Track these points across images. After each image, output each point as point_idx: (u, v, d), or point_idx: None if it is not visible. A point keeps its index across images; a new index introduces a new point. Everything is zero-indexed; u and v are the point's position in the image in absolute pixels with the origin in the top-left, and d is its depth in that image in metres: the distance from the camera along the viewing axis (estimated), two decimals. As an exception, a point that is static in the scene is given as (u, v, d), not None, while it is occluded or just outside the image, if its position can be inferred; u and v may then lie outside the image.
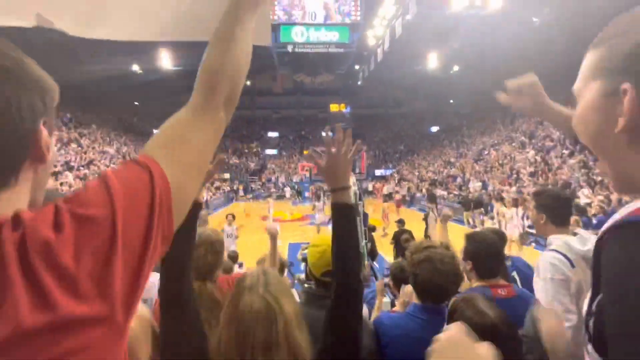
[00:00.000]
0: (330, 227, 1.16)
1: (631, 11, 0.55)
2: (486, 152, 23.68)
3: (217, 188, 29.84)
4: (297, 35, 21.96)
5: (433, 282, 1.30)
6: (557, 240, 1.74)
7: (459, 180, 21.43)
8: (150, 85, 29.51)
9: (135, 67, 25.82)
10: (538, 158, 17.06)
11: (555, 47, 20.55)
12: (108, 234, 0.49)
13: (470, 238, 1.71)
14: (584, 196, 11.46)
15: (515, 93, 1.08)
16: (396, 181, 28.86)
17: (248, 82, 34.36)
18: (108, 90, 27.85)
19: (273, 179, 33.09)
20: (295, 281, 4.57)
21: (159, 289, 1.09)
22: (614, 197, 10.24)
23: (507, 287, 1.65)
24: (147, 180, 0.55)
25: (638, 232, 0.46)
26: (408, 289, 1.72)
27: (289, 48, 22.21)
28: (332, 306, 1.06)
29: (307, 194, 24.65)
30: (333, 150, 1.08)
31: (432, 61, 25.67)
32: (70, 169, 15.84)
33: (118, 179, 0.53)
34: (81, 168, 16.56)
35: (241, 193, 29.94)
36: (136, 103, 33.85)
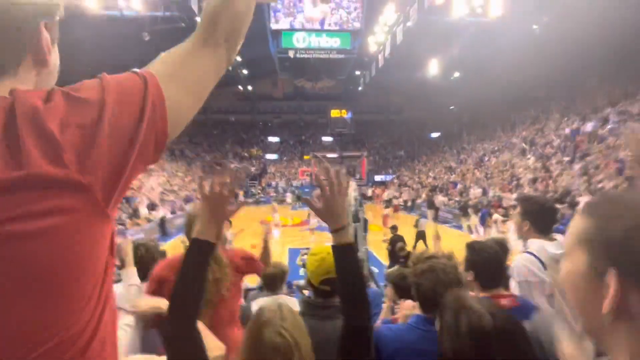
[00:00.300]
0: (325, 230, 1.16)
1: (630, 194, 0.56)
2: (486, 159, 23.69)
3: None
4: (299, 41, 22.05)
5: (436, 292, 1.28)
6: (534, 243, 1.80)
7: (459, 186, 21.41)
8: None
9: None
10: (538, 165, 17.05)
11: (555, 55, 20.64)
12: (96, 115, 0.52)
13: (471, 248, 1.69)
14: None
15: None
16: (396, 187, 28.85)
17: (249, 87, 34.54)
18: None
19: (273, 183, 33.09)
20: (294, 288, 4.54)
21: (164, 327, 1.12)
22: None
23: (510, 297, 1.63)
24: (141, 86, 0.58)
25: None
26: (409, 302, 1.70)
27: (290, 54, 22.31)
28: (342, 345, 1.07)
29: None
30: (327, 193, 1.09)
31: (433, 68, 25.75)
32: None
33: (112, 78, 0.58)
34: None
35: (241, 198, 29.88)
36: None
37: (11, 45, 0.55)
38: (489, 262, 1.63)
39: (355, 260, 1.10)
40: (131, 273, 1.99)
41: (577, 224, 0.57)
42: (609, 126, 16.33)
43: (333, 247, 1.10)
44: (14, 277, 0.46)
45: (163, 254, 2.63)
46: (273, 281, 2.70)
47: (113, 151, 0.52)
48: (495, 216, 12.24)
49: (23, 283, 0.46)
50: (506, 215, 11.88)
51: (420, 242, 10.59)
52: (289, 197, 20.13)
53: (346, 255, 1.08)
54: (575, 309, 0.59)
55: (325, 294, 1.51)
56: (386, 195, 24.28)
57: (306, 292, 2.31)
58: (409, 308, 1.62)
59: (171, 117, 0.61)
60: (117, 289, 2.34)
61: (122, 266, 2.02)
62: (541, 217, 1.85)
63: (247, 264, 2.05)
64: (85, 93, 0.53)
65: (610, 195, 0.57)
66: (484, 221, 12.89)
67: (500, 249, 1.71)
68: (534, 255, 1.74)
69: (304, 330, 1.05)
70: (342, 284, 1.10)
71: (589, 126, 17.66)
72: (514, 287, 1.74)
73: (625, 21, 16.48)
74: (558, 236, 1.85)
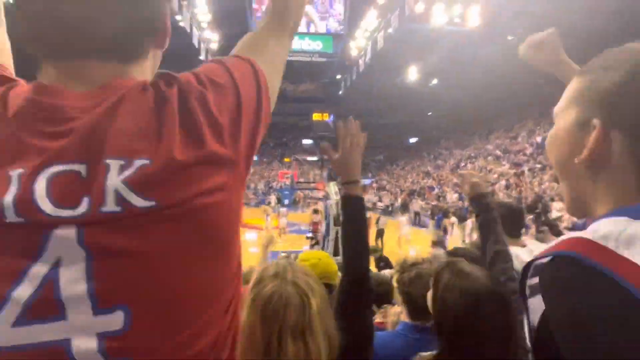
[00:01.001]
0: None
1: (622, 47, 0.56)
2: (463, 165, 24.27)
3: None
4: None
5: (426, 299, 1.30)
6: None
7: (436, 190, 21.84)
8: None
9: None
10: (511, 172, 17.63)
11: (528, 66, 21.36)
12: (236, 99, 0.59)
13: (454, 254, 1.73)
14: (555, 210, 11.87)
15: (535, 46, 1.09)
16: (375, 190, 29.14)
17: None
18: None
19: (252, 185, 32.80)
20: None
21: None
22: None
23: None
24: (251, 69, 0.65)
25: (563, 268, 0.47)
26: (395, 309, 1.72)
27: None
28: (342, 300, 1.09)
29: (286, 202, 24.54)
30: (347, 144, 1.13)
31: (412, 74, 26.24)
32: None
33: (232, 63, 0.63)
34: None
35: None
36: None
37: (149, 32, 0.58)
38: None
39: (363, 212, 1.15)
40: None
41: (570, 86, 0.59)
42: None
43: (343, 197, 1.15)
44: (197, 243, 0.51)
45: None
46: None
47: (249, 130, 0.59)
48: (453, 219, 12.77)
49: (204, 249, 0.52)
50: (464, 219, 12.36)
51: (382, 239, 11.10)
52: (273, 200, 19.85)
53: (355, 206, 1.13)
54: (556, 167, 0.60)
55: None
56: (366, 199, 24.46)
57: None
58: (396, 314, 1.64)
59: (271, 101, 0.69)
60: None
61: None
62: (510, 220, 1.95)
63: None
64: (221, 79, 0.59)
65: (604, 52, 0.57)
66: (439, 225, 13.43)
67: (482, 255, 1.77)
68: None
69: (320, 283, 0.97)
70: (348, 234, 1.13)
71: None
72: None
73: (594, 35, 17.32)
74: (528, 241, 1.98)
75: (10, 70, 0.70)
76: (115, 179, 0.47)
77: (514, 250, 1.85)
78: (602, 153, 0.51)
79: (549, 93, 23.84)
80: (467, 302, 0.99)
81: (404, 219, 13.69)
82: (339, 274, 1.59)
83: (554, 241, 0.53)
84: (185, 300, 0.50)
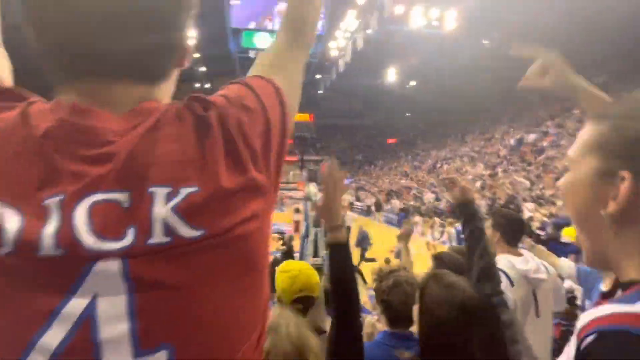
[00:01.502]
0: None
1: None
2: (439, 166, 24.73)
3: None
4: (260, 41, 21.86)
5: (408, 305, 1.29)
6: (502, 259, 1.89)
7: (414, 191, 22.16)
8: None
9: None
10: (486, 173, 18.08)
11: (501, 69, 22.04)
12: (265, 123, 0.57)
13: (439, 260, 1.72)
14: (527, 210, 12.25)
15: (538, 73, 1.01)
16: (354, 190, 29.30)
17: (207, 85, 33.64)
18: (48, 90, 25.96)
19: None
20: None
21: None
22: (554, 209, 11.07)
23: None
24: (273, 89, 0.62)
25: (625, 343, 0.44)
26: (368, 319, 1.70)
27: (251, 54, 22.02)
28: (335, 342, 1.11)
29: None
30: (329, 189, 1.15)
31: (391, 75, 26.59)
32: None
33: (256, 84, 0.61)
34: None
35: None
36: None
37: (173, 54, 0.56)
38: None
39: (349, 260, 1.15)
40: None
41: (586, 131, 0.56)
42: (548, 139, 17.70)
43: (330, 245, 1.15)
44: (239, 272, 0.50)
45: None
46: None
47: (277, 155, 0.58)
48: (417, 218, 13.14)
49: (244, 278, 0.51)
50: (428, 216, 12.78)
51: None
52: None
53: (342, 255, 1.14)
54: (575, 217, 0.58)
55: (297, 312, 1.46)
56: (346, 200, 24.61)
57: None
58: (370, 325, 1.61)
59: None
60: None
61: None
62: (510, 229, 2.03)
63: None
64: (250, 103, 0.57)
65: (624, 98, 0.56)
66: (400, 223, 13.72)
67: (468, 266, 1.77)
68: (503, 272, 1.80)
69: (313, 333, 1.05)
70: (336, 284, 1.13)
71: (531, 137, 19.04)
72: None
73: (563, 41, 18.05)
74: (524, 251, 2.03)
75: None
76: (162, 208, 0.45)
77: (510, 259, 1.87)
78: (632, 207, 0.49)
79: (522, 96, 24.60)
80: (454, 314, 0.98)
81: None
82: (321, 283, 1.55)
83: (585, 318, 0.49)
84: (228, 333, 0.49)
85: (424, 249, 9.98)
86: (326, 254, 1.20)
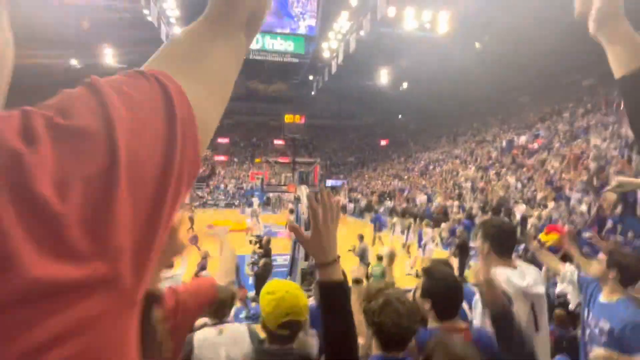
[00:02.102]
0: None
1: None
2: (431, 167, 24.81)
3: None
4: (253, 41, 21.75)
5: (400, 326, 1.20)
6: (499, 274, 1.77)
7: (406, 193, 22.19)
8: (90, 82, 27.46)
9: (74, 62, 23.94)
10: (478, 175, 18.17)
11: (493, 72, 22.24)
12: (105, 156, 0.31)
13: (429, 274, 1.62)
14: (519, 211, 12.30)
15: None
16: (346, 192, 29.26)
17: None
18: (42, 84, 25.47)
19: (222, 186, 32.10)
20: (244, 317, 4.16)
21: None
22: (545, 213, 11.13)
23: (466, 330, 1.57)
24: (160, 96, 0.38)
25: None
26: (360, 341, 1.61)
27: (243, 54, 21.91)
28: None
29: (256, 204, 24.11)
30: (319, 220, 0.96)
31: (383, 77, 26.62)
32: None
33: (112, 86, 0.36)
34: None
35: (187, 200, 28.75)
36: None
37: None
38: (448, 291, 1.56)
39: (346, 302, 0.97)
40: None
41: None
42: (538, 141, 17.85)
43: (320, 285, 0.97)
44: None
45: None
46: (221, 308, 2.18)
47: (138, 211, 0.33)
48: (395, 219, 13.26)
49: None
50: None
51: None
52: (255, 202, 18.74)
53: (336, 295, 0.95)
54: None
55: (284, 339, 1.35)
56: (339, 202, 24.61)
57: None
58: (364, 348, 1.51)
59: (201, 135, 0.41)
60: None
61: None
62: (499, 240, 1.88)
63: (196, 300, 1.58)
64: (81, 119, 0.32)
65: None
66: (375, 223, 14.04)
67: (459, 277, 1.69)
68: None
69: None
70: (328, 331, 0.96)
71: (522, 139, 19.19)
72: (476, 318, 1.71)
73: (554, 44, 18.20)
74: (519, 262, 1.89)
75: None
76: None
77: (504, 271, 1.77)
78: None
79: (512, 99, 24.76)
80: None
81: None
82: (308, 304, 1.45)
83: None
84: None
85: (400, 249, 10.08)
86: (320, 297, 0.99)
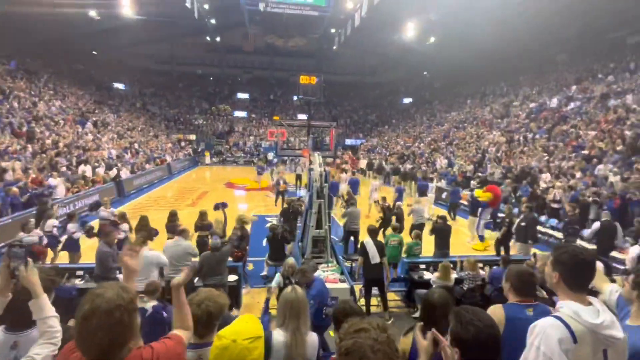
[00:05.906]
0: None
1: None
2: (454, 130, 23.93)
3: (182, 148, 28.69)
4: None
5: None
6: (566, 307, 1.51)
7: (426, 155, 21.65)
8: (110, 33, 27.15)
9: (93, 13, 23.48)
10: (502, 139, 17.38)
11: (530, 27, 20.48)
12: None
13: (457, 319, 1.41)
14: (543, 182, 11.81)
15: None
16: (365, 153, 28.85)
17: (218, 39, 32.43)
18: (61, 36, 25.31)
19: (241, 143, 32.18)
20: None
21: None
22: (572, 182, 10.62)
23: None
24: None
25: None
26: None
27: (261, 6, 20.84)
28: None
29: (275, 161, 24.15)
30: None
31: (409, 31, 25.04)
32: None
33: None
34: (26, 125, 15.10)
35: (207, 159, 29.21)
36: (94, 52, 31.23)
37: None
38: (482, 342, 1.34)
39: None
40: (43, 303, 1.68)
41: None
42: (571, 105, 16.71)
43: None
44: None
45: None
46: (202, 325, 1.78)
47: None
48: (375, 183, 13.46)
49: None
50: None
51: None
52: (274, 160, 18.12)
53: None
54: None
55: None
56: (363, 164, 24.43)
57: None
58: None
59: None
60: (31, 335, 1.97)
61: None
62: (573, 272, 1.55)
63: None
64: None
65: None
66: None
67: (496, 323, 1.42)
68: (564, 323, 1.44)
69: None
70: None
71: (554, 102, 18.04)
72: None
73: (538, 22, 16.73)
74: (593, 300, 1.55)
75: None
76: None
77: (575, 308, 1.44)
78: None
79: (550, 57, 23.04)
80: None
81: (376, 182, 13.78)
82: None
83: None
84: None
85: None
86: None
